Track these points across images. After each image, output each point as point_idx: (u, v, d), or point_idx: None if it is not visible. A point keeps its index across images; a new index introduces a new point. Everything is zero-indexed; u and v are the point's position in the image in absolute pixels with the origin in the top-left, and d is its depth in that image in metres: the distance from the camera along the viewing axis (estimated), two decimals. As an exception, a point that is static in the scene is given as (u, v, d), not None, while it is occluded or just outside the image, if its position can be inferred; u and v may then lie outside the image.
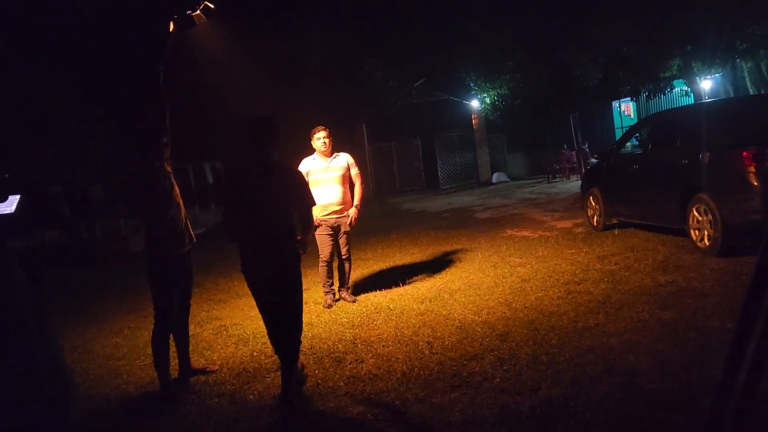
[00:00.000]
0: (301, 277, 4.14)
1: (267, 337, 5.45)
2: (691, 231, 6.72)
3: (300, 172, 4.55)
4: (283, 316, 4.01)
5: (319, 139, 6.30)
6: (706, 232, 6.45)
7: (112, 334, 6.43)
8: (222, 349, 5.37)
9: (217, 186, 19.00)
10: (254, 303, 6.85)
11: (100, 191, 12.11)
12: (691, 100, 16.60)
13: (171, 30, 5.18)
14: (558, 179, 19.80)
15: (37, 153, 11.64)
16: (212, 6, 5.39)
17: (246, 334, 5.70)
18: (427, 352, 4.62)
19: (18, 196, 3.44)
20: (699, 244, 6.58)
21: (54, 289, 9.53)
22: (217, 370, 4.79)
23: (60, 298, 8.72)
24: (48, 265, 10.53)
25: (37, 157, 11.80)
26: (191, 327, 5.68)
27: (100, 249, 12.50)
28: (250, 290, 4.17)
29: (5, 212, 3.37)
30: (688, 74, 15.83)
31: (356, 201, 6.43)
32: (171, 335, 4.54)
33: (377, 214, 15.27)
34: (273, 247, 3.96)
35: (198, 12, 5.36)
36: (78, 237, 12.51)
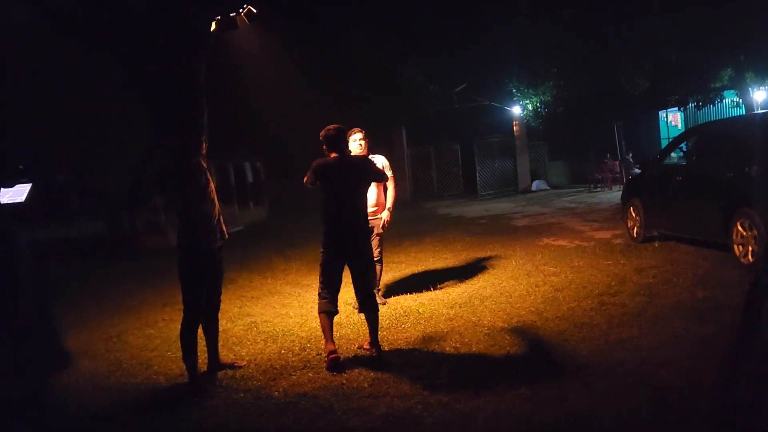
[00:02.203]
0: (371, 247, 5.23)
1: (294, 335, 5.53)
2: (735, 246, 6.50)
3: (369, 159, 5.48)
4: (362, 278, 4.85)
5: (355, 141, 6.30)
6: (750, 248, 6.23)
7: (147, 325, 6.57)
8: (251, 345, 5.43)
9: (257, 185, 19.27)
10: (286, 301, 7.04)
11: (106, 182, 12.24)
12: (741, 112, 16.09)
13: (213, 30, 5.27)
14: (599, 189, 19.42)
15: (59, 141, 11.87)
16: (255, 10, 5.46)
17: (275, 331, 5.76)
18: (453, 357, 4.58)
19: (29, 186, 3.52)
20: (742, 259, 6.37)
21: (95, 279, 9.82)
22: (245, 365, 4.84)
23: (99, 289, 8.98)
24: (76, 257, 10.82)
25: (57, 146, 12.03)
26: (223, 322, 5.77)
27: (140, 242, 12.82)
28: (329, 262, 4.82)
29: (15, 201, 3.48)
30: (739, 85, 15.35)
31: (389, 204, 6.43)
32: (201, 330, 4.62)
33: (413, 218, 15.23)
34: (357, 223, 4.84)
35: (241, 15, 5.44)
36: (119, 229, 12.85)
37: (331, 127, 4.94)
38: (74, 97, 11.33)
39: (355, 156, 5.16)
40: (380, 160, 6.47)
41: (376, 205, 6.36)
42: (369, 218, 6.30)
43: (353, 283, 4.92)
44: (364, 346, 4.95)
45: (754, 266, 6.12)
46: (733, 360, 1.21)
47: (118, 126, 11.82)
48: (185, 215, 4.45)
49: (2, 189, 3.31)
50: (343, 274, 4.88)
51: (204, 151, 4.67)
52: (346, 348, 5.06)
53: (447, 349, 4.78)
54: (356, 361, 4.75)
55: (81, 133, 11.64)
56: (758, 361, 1.19)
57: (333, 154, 4.89)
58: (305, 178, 4.88)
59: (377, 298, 6.43)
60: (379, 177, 5.26)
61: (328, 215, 4.84)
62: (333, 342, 4.77)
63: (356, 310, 6.26)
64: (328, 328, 4.77)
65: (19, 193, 3.55)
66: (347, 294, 6.84)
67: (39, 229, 11.72)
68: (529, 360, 4.38)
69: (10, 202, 3.40)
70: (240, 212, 17.60)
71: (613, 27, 15.68)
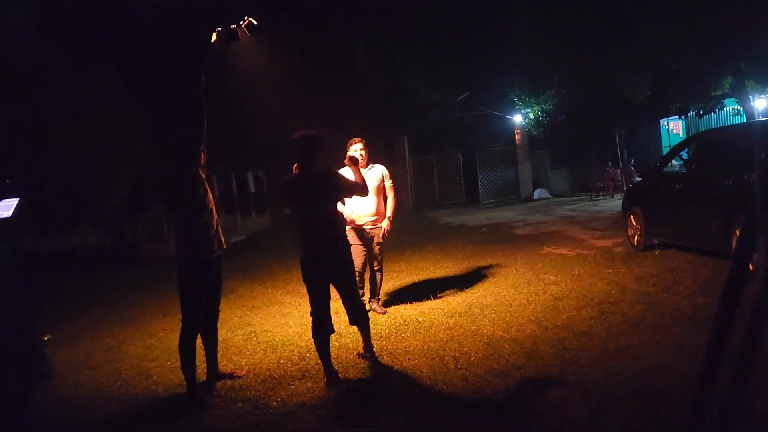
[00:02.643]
0: (351, 256, 4.92)
1: (294, 345, 5.53)
2: (735, 254, 6.49)
3: (336, 171, 5.05)
4: (348, 289, 4.75)
5: (356, 150, 6.34)
6: (750, 256, 6.21)
7: (147, 335, 6.58)
8: (251, 354, 5.44)
9: (259, 194, 19.33)
10: (286, 311, 7.04)
11: (102, 194, 12.22)
12: (742, 120, 16.09)
13: (214, 41, 5.31)
14: (601, 197, 19.41)
15: (56, 152, 11.85)
16: (256, 22, 5.50)
17: (275, 341, 5.76)
18: (452, 366, 4.58)
19: (16, 200, 3.52)
20: (743, 267, 6.34)
21: (96, 289, 9.85)
22: (244, 375, 4.84)
23: (100, 298, 9.00)
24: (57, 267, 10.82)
25: (53, 157, 12.02)
26: (223, 332, 5.78)
27: (141, 251, 12.86)
28: (311, 280, 4.64)
29: (2, 216, 3.49)
30: (740, 93, 15.36)
31: (389, 213, 6.44)
32: (200, 339, 4.63)
33: (415, 227, 15.25)
34: (330, 239, 4.65)
35: (242, 26, 5.48)
36: (120, 239, 12.90)
37: (298, 135, 4.65)
38: (73, 107, 11.40)
39: (321, 169, 4.71)
40: (380, 170, 6.50)
41: (376, 214, 6.38)
42: (369, 227, 6.35)
43: (340, 296, 4.80)
44: (362, 352, 4.95)
45: (755, 275, 6.10)
46: (709, 370, 1.22)
47: (117, 136, 11.88)
48: (184, 225, 4.47)
49: None
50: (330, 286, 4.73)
51: (203, 162, 4.70)
52: (345, 357, 5.06)
53: (446, 358, 4.78)
54: (356, 370, 4.75)
55: (79, 143, 11.70)
56: (737, 369, 1.21)
57: (296, 167, 4.66)
58: (276, 204, 4.70)
59: (377, 307, 6.46)
60: (350, 191, 4.92)
61: (302, 231, 4.64)
62: (332, 368, 4.54)
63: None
64: (324, 350, 4.55)
65: (5, 208, 3.56)
66: (347, 303, 6.87)
67: (41, 240, 11.79)
68: (527, 369, 4.36)
69: (-4, 216, 3.46)
70: (242, 221, 17.66)
71: (613, 35, 15.73)
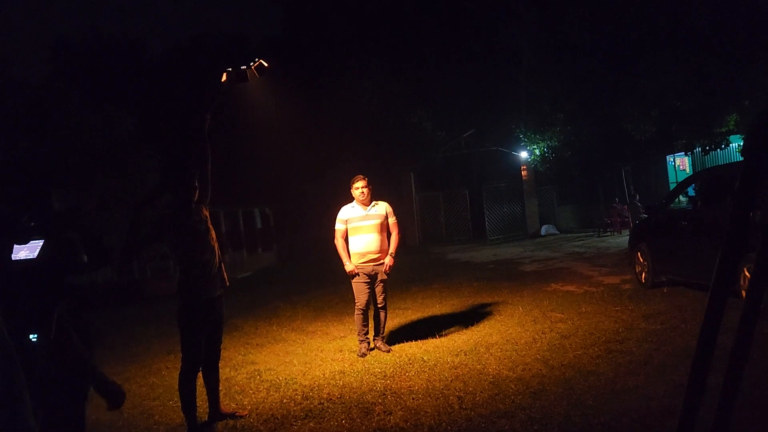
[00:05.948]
0: None
1: (298, 383, 5.48)
2: (743, 292, 6.42)
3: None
4: None
5: (358, 188, 6.40)
6: (758, 294, 6.15)
7: (150, 373, 6.54)
8: (254, 393, 5.38)
9: (265, 230, 19.41)
10: (290, 348, 7.00)
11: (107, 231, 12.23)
12: (749, 156, 16.12)
13: (223, 81, 5.39)
14: (609, 233, 19.34)
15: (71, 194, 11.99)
16: (266, 64, 5.59)
17: (279, 379, 5.71)
18: (457, 407, 4.51)
19: (41, 242, 3.52)
20: (751, 305, 6.28)
21: (102, 326, 9.81)
22: (246, 415, 4.78)
23: (106, 336, 8.97)
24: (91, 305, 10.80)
25: (69, 199, 12.17)
26: (226, 370, 5.76)
27: (149, 287, 12.88)
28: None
29: (29, 258, 3.48)
30: (745, 130, 15.43)
31: (392, 249, 6.45)
32: (202, 378, 4.59)
33: (421, 263, 15.21)
34: None
35: (252, 68, 5.57)
36: (128, 276, 12.94)
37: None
38: (85, 149, 11.58)
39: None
40: (383, 207, 6.54)
41: (380, 251, 6.38)
42: (374, 264, 6.35)
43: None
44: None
45: (763, 313, 6.03)
46: (691, 402, 1.21)
47: (128, 175, 12.03)
48: (184, 263, 4.46)
49: (16, 246, 3.37)
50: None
51: (197, 197, 4.65)
52: (349, 396, 5.00)
53: (450, 397, 4.71)
54: (359, 409, 4.69)
55: (91, 182, 11.85)
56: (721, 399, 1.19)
57: None
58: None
59: (381, 345, 6.41)
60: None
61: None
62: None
63: (360, 357, 6.21)
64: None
65: (32, 250, 3.58)
66: (351, 342, 6.82)
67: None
68: (533, 409, 4.29)
69: (24, 258, 3.46)
70: (248, 257, 17.68)
71: (618, 74, 15.92)
